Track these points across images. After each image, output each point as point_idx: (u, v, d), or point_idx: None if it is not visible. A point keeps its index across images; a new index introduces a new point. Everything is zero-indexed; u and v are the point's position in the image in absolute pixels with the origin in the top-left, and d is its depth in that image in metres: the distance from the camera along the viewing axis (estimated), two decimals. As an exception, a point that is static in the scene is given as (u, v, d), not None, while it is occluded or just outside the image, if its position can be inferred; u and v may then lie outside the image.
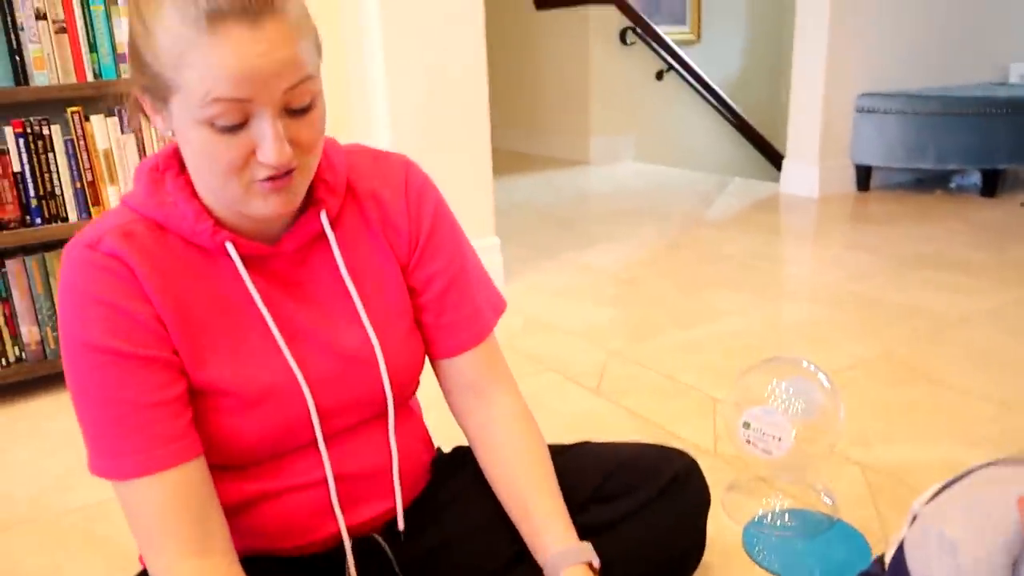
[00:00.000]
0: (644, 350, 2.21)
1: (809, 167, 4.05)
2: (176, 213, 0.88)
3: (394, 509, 1.04)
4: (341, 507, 0.99)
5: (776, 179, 4.38)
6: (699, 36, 5.94)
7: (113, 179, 2.03)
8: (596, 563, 0.98)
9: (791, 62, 4.08)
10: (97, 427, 0.85)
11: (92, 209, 2.01)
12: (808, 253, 3.23)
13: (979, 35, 4.37)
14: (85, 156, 1.99)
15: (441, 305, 1.04)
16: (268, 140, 0.80)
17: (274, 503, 0.96)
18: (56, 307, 0.89)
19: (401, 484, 1.05)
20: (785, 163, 4.22)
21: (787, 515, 1.42)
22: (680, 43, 5.50)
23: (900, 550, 0.80)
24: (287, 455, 0.95)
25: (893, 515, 1.42)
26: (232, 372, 0.90)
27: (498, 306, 1.11)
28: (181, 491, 0.86)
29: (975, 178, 4.12)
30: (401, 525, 1.04)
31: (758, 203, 4.04)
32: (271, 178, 0.83)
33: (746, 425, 1.37)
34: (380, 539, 1.04)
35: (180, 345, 0.88)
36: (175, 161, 0.90)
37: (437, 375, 1.09)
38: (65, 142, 1.96)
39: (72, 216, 2.00)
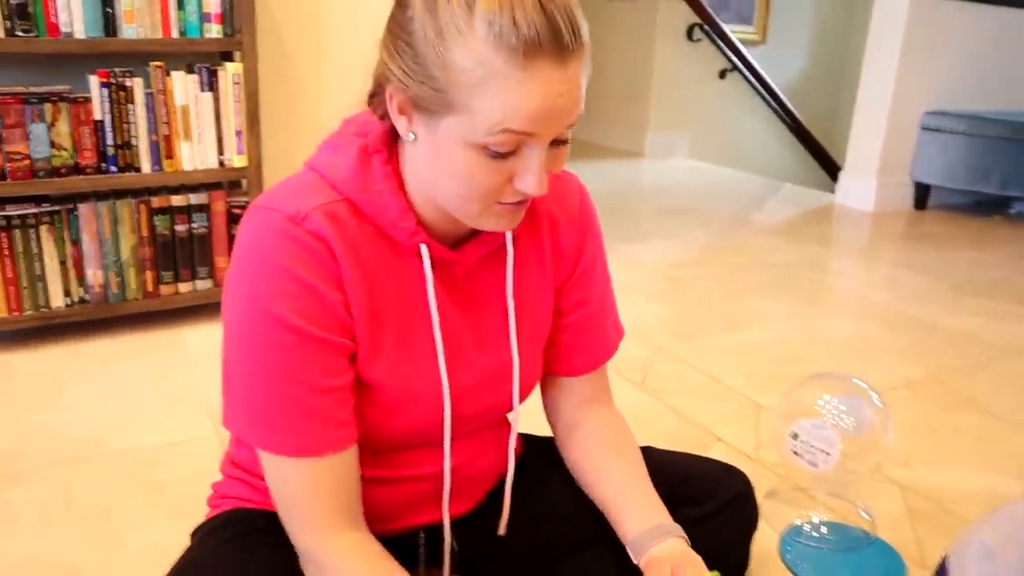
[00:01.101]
0: (690, 350, 2.22)
1: (867, 180, 4.01)
2: (380, 203, 0.87)
3: (473, 506, 1.09)
4: (436, 501, 1.02)
5: (829, 188, 4.34)
6: (764, 36, 5.87)
7: (188, 135, 2.08)
8: (688, 540, 0.99)
9: (856, 71, 4.04)
10: (263, 399, 0.85)
11: (164, 162, 2.06)
12: (859, 268, 3.21)
13: (1054, 61, 4.29)
14: (163, 110, 2.04)
15: (579, 328, 1.07)
16: (535, 173, 0.79)
17: (384, 488, 0.99)
18: (231, 264, 0.88)
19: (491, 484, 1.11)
20: (842, 174, 4.18)
21: (825, 527, 1.43)
22: (745, 42, 5.45)
23: (943, 561, 0.82)
24: (411, 448, 0.98)
25: (931, 538, 1.42)
26: (389, 370, 0.91)
27: (620, 331, 1.13)
28: (338, 474, 0.88)
29: (1035, 206, 4.06)
30: (503, 530, 1.07)
31: (810, 212, 4.01)
32: (519, 202, 0.84)
33: (794, 436, 1.38)
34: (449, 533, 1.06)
35: (360, 336, 0.88)
36: (384, 147, 0.88)
37: (549, 388, 1.11)
38: (145, 95, 2.01)
39: (145, 167, 2.05)
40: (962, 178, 3.88)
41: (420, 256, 0.90)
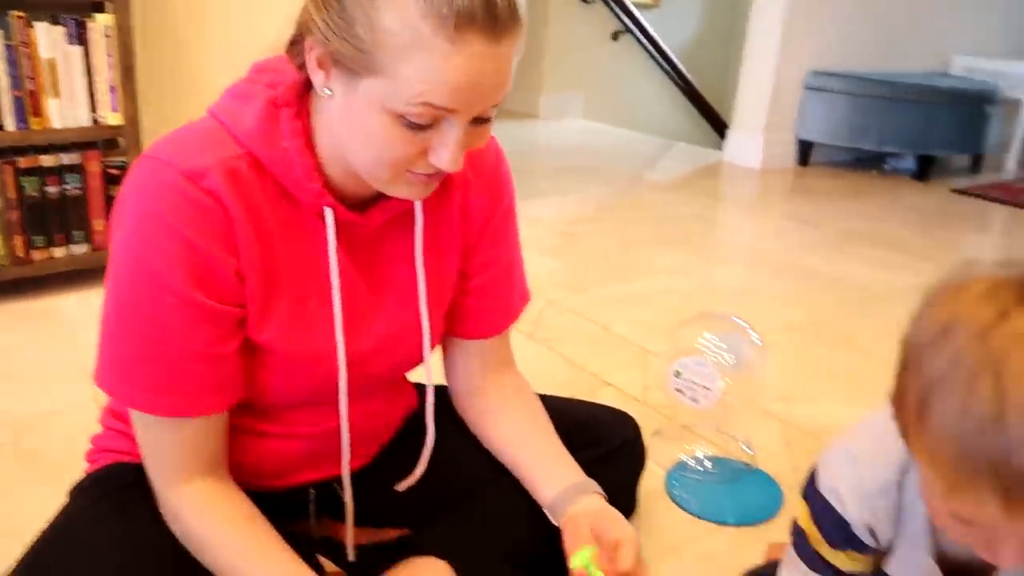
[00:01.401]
0: (581, 300, 2.25)
1: (753, 138, 4.13)
2: (286, 161, 0.82)
3: (367, 461, 1.09)
4: (331, 457, 1.01)
5: (719, 147, 4.44)
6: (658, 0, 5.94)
7: (56, 91, 1.97)
8: (605, 496, 1.01)
9: (745, 33, 4.13)
10: (140, 360, 0.82)
11: (31, 120, 1.95)
12: (747, 221, 3.31)
13: (927, 25, 4.47)
14: (28, 64, 1.92)
15: (486, 292, 1.06)
16: (450, 149, 0.77)
17: (277, 443, 0.98)
18: (116, 214, 0.81)
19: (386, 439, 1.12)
20: (730, 132, 4.29)
21: (708, 462, 1.49)
22: (638, 5, 5.50)
23: (812, 471, 0.86)
24: (305, 406, 0.97)
25: (807, 467, 1.48)
26: (282, 334, 0.88)
27: (525, 296, 1.13)
28: (210, 434, 0.87)
29: (909, 162, 4.25)
30: (414, 481, 1.08)
31: (701, 169, 4.10)
32: (432, 174, 0.81)
33: (677, 374, 1.42)
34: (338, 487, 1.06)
35: (251, 301, 0.85)
36: (295, 99, 0.83)
37: (450, 348, 1.11)
38: (6, 47, 1.90)
39: (9, 125, 1.94)
40: (843, 135, 4.03)
41: (323, 218, 0.87)
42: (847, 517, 0.79)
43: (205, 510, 0.87)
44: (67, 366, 1.73)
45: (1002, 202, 3.88)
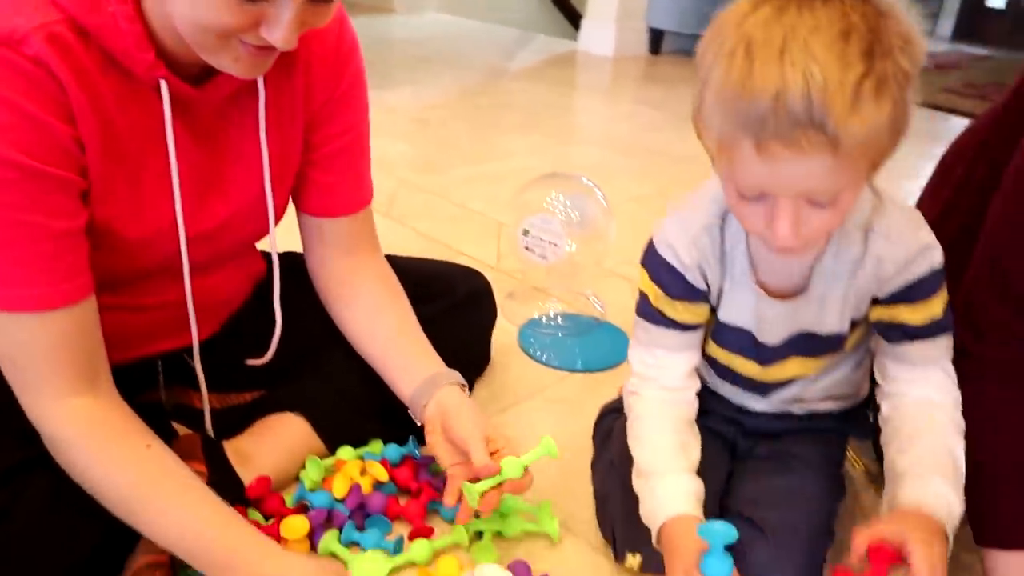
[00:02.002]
0: (436, 181, 2.25)
1: (606, 27, 4.14)
2: (113, 29, 0.76)
3: (216, 330, 1.07)
4: (178, 328, 0.98)
5: (573, 37, 4.45)
6: None
7: None
8: (464, 383, 1.02)
9: (596, -80, 4.10)
10: None
11: None
12: (600, 106, 3.36)
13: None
14: None
15: (333, 164, 1.02)
16: (284, 25, 0.73)
17: (124, 315, 0.93)
18: None
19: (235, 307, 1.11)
20: (584, 22, 4.29)
21: (560, 317, 1.53)
22: None
23: (650, 240, 0.95)
24: (151, 278, 0.94)
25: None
26: (123, 210, 0.84)
27: (371, 190, 1.11)
28: (76, 328, 0.80)
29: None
30: (269, 357, 1.07)
31: (556, 58, 4.10)
32: (262, 48, 0.76)
33: (525, 232, 1.45)
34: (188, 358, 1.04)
35: (93, 172, 0.79)
36: None
37: (307, 231, 1.08)
38: None
39: None
40: (691, 23, 4.09)
41: (159, 91, 0.82)
42: (680, 266, 0.89)
43: (86, 433, 0.81)
44: None
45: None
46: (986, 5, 6.10)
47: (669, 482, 0.88)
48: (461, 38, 4.51)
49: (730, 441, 1.03)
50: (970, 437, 0.85)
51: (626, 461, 0.95)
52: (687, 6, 4.06)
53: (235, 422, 1.09)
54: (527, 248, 1.45)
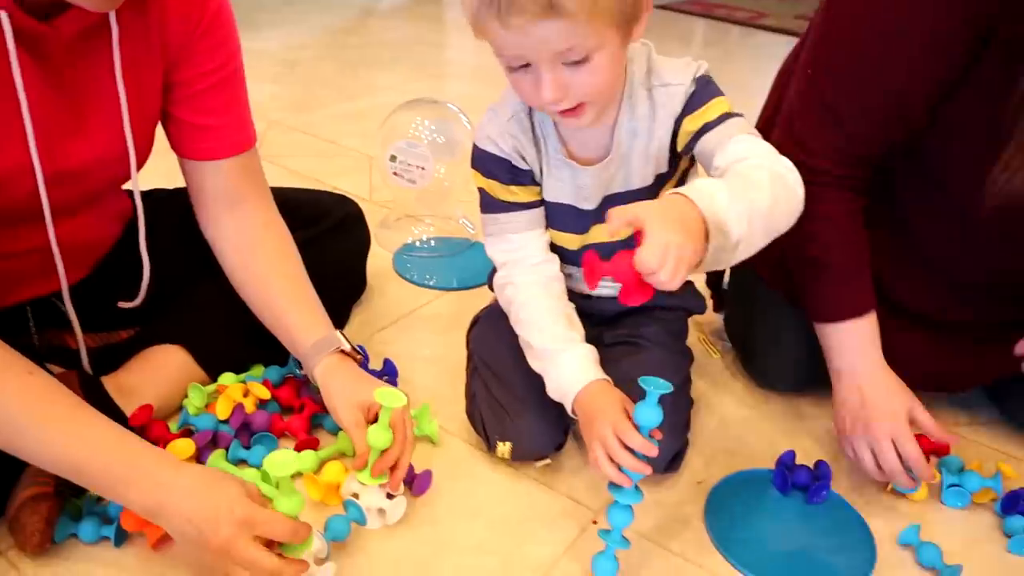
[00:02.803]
0: (306, 120, 2.24)
1: (473, -39, 4.14)
2: None
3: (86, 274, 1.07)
4: (46, 274, 0.98)
5: (443, -26, 4.43)
6: None
7: None
8: (347, 348, 1.03)
9: None
10: None
11: None
12: (468, 41, 3.35)
13: None
14: None
15: (205, 104, 1.01)
16: None
17: None
18: None
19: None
20: (450, -43, 4.27)
21: (432, 240, 1.58)
22: None
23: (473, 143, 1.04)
24: (13, 225, 0.92)
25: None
26: None
27: (252, 135, 1.10)
28: None
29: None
30: (139, 300, 1.07)
31: (423, -5, 4.09)
32: None
33: (392, 158, 1.48)
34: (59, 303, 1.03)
35: None
36: None
37: (190, 178, 1.06)
38: None
39: None
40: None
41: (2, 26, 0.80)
42: (502, 153, 0.99)
43: None
44: None
45: (699, 15, 4.21)
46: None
47: (571, 355, 0.96)
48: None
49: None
50: (806, 233, 0.95)
51: (487, 363, 1.04)
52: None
53: (113, 359, 1.10)
54: (396, 174, 1.48)
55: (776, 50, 1.09)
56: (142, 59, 0.95)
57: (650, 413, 0.83)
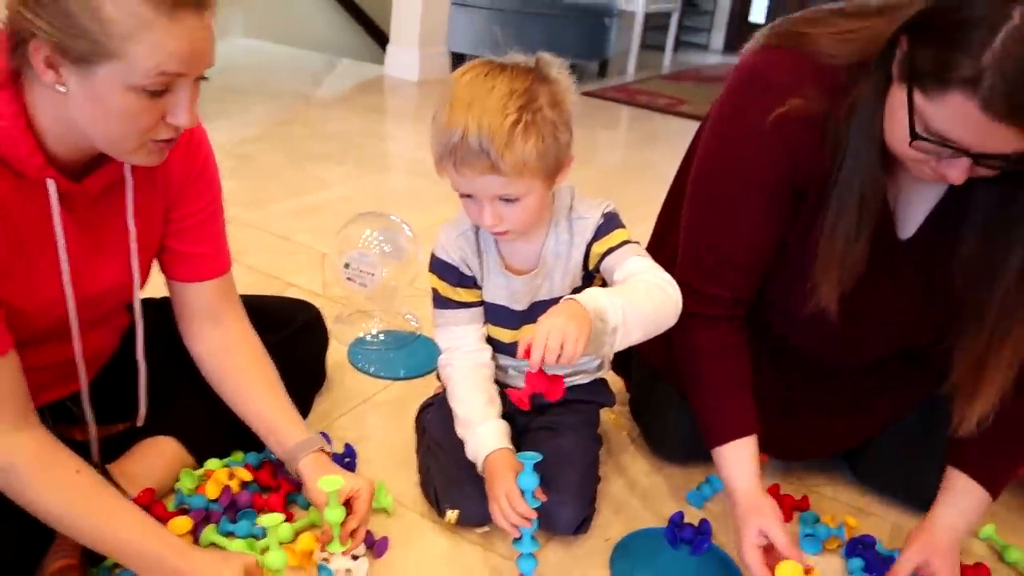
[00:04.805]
0: (260, 216, 2.46)
1: (410, 52, 4.43)
2: (7, 138, 0.95)
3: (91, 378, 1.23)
4: (61, 382, 1.19)
5: (381, 61, 4.70)
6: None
7: None
8: (328, 449, 1.27)
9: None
10: None
11: None
12: (408, 132, 3.64)
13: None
14: None
15: (193, 236, 1.23)
16: (185, 106, 0.96)
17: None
18: None
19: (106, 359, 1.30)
20: (389, 47, 4.56)
21: (382, 335, 1.82)
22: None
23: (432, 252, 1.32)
24: (38, 344, 1.11)
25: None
26: (17, 287, 1.02)
27: (228, 259, 1.31)
28: (13, 373, 1.01)
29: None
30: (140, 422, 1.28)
31: (364, 84, 4.35)
32: (168, 140, 0.98)
33: (347, 265, 1.72)
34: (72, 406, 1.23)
35: None
36: (8, 83, 0.95)
37: (176, 297, 1.28)
38: None
39: None
40: (486, 47, 4.38)
41: (46, 186, 1.01)
42: (452, 261, 1.26)
43: (42, 463, 1.02)
44: None
45: (624, 102, 4.57)
46: (749, 20, 6.88)
47: (486, 427, 1.22)
48: (270, 64, 4.64)
49: (509, 416, 1.31)
50: (689, 365, 1.26)
51: (439, 443, 1.29)
52: (482, 30, 4.42)
53: (113, 448, 1.30)
54: (349, 279, 1.72)
55: (692, 135, 1.37)
56: (149, 202, 1.17)
57: (527, 479, 1.13)
